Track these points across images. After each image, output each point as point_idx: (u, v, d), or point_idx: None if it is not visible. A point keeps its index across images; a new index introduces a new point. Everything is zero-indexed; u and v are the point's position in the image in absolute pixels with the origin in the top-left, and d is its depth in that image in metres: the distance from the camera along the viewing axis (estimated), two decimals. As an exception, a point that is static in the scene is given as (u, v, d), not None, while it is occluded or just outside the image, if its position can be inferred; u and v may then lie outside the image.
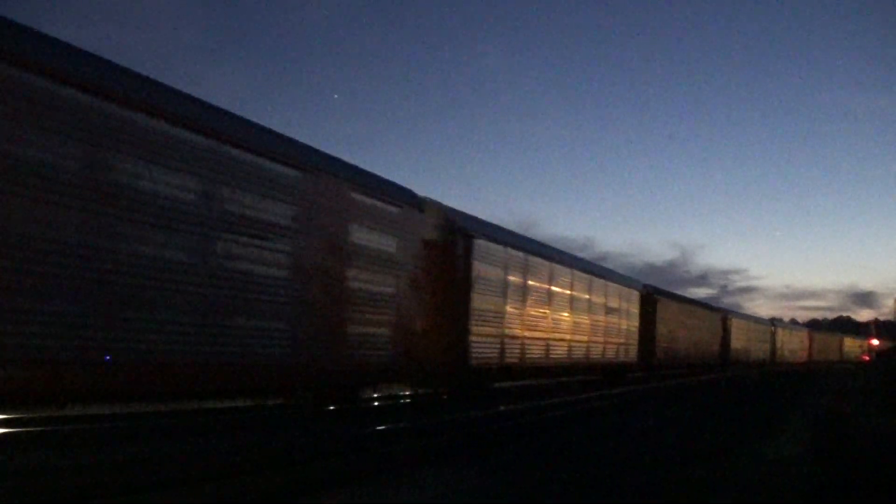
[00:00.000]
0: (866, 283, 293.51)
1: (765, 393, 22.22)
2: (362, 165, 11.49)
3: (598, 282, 20.25)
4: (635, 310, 23.89)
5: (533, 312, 16.30)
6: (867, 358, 76.04)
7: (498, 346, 14.79)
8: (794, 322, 74.79)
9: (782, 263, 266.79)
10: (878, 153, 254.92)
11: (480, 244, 14.23)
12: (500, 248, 14.95)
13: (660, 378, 26.55)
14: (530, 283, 16.21)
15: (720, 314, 37.60)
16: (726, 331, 38.35)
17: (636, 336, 24.02)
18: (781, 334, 51.72)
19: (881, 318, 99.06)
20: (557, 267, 17.70)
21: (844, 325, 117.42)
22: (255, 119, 9.48)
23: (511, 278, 15.35)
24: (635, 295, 23.89)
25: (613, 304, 21.49)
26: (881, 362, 50.37)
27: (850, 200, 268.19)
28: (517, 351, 15.58)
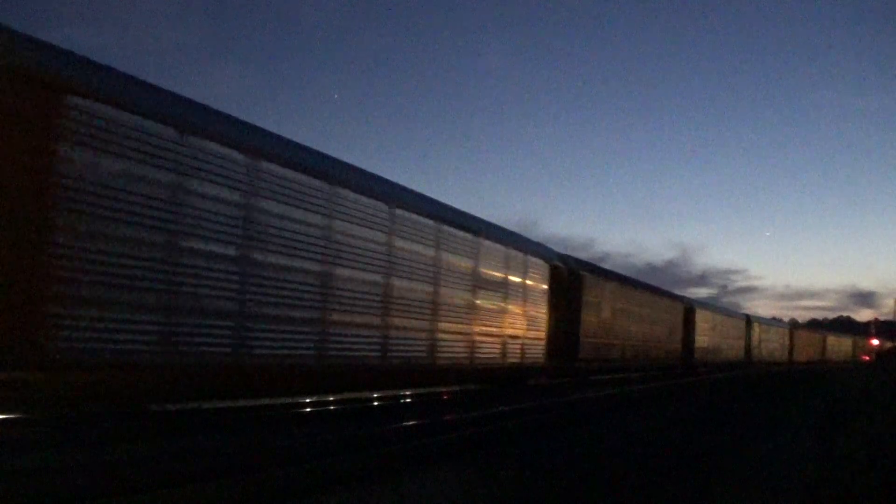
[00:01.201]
0: (866, 283, 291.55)
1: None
2: (361, 165, 9.06)
3: (459, 236, 12.74)
4: (541, 288, 16.40)
5: (288, 270, 8.74)
6: (867, 358, 73.26)
7: (167, 329, 7.18)
8: (793, 320, 69.01)
9: (782, 263, 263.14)
10: (878, 153, 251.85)
11: (92, 112, 6.64)
12: (214, 146, 7.36)
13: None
14: (274, 209, 8.64)
15: (681, 303, 30.26)
16: (690, 324, 31.04)
17: (544, 327, 16.52)
18: (758, 330, 44.54)
19: (881, 318, 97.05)
20: (356, 197, 10.15)
21: (844, 325, 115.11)
22: (255, 119, 3.83)
23: (224, 200, 7.80)
24: (541, 267, 16.39)
25: (494, 274, 13.98)
26: (881, 362, 44.79)
27: (850, 200, 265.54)
28: (256, 342, 7.99)
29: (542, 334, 16.30)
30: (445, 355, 12.23)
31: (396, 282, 10.94)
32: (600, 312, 20.07)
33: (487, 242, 13.71)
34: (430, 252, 11.90)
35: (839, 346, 73.55)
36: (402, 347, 11.04)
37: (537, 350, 16.03)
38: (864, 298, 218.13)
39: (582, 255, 27.71)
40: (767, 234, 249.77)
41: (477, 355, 13.29)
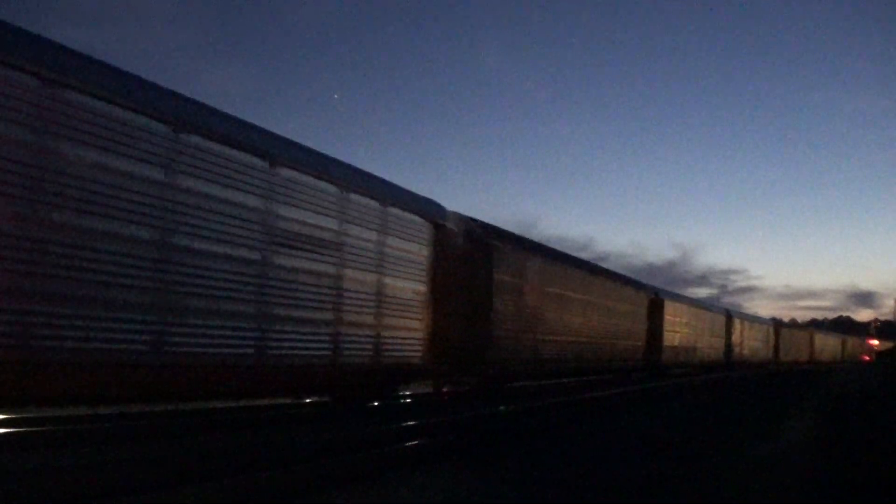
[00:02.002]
0: (866, 283, 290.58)
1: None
2: (362, 166, 8.43)
3: (230, 159, 7.79)
4: (415, 256, 11.49)
5: None
6: (867, 358, 72.80)
7: None
8: (792, 319, 67.07)
9: (782, 263, 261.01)
10: (879, 153, 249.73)
11: None
12: None
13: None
14: None
15: (645, 293, 25.45)
16: (657, 318, 26.25)
17: (423, 313, 11.61)
18: (739, 327, 39.84)
19: (881, 318, 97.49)
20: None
21: (844, 325, 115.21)
22: (255, 119, 3.00)
23: None
24: (416, 227, 11.46)
25: (314, 227, 9.06)
26: (881, 363, 42.78)
27: (850, 200, 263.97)
28: None
29: (419, 324, 11.37)
30: (196, 349, 7.27)
31: (65, 217, 5.99)
32: (522, 297, 15.17)
33: (296, 176, 8.76)
34: (158, 175, 6.94)
35: (828, 345, 69.15)
36: (78, 333, 6.10)
37: (410, 346, 11.09)
38: (864, 298, 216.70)
39: (582, 256, 22.79)
40: (759, 234, 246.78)
41: (274, 351, 8.33)
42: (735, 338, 38.98)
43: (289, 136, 7.90)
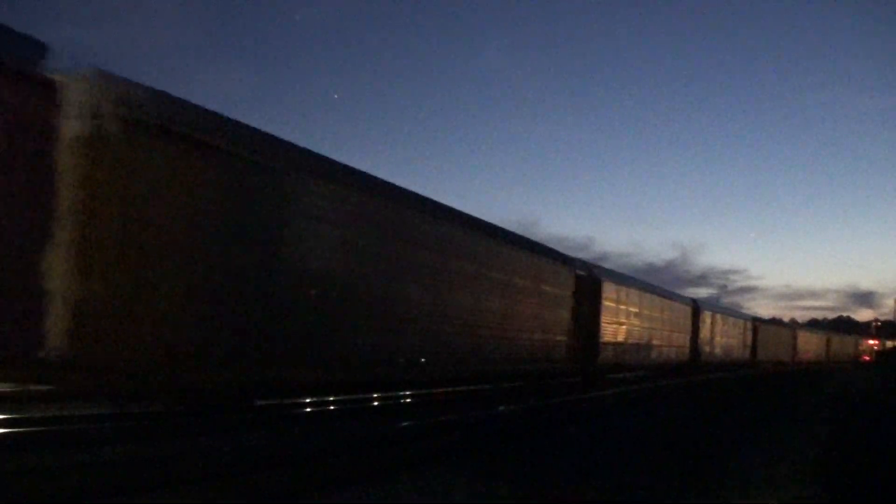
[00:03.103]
0: (866, 283, 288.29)
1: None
2: (360, 166, 8.61)
3: None
4: None
5: None
6: (867, 358, 72.10)
7: None
8: (793, 320, 64.00)
9: (782, 263, 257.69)
10: (879, 153, 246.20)
11: None
12: None
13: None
14: None
15: (570, 271, 19.04)
16: (592, 306, 19.90)
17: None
18: (710, 322, 33.58)
19: (881, 318, 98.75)
20: None
21: (844, 325, 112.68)
22: (254, 119, 2.47)
23: None
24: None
25: None
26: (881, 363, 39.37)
27: (849, 200, 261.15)
28: None
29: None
30: None
31: None
32: (287, 244, 8.70)
33: None
34: None
35: (812, 344, 63.25)
36: None
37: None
38: (864, 298, 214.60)
39: (582, 255, 17.83)
40: (752, 234, 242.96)
41: None
42: (704, 334, 32.74)
43: (289, 136, 2.04)
